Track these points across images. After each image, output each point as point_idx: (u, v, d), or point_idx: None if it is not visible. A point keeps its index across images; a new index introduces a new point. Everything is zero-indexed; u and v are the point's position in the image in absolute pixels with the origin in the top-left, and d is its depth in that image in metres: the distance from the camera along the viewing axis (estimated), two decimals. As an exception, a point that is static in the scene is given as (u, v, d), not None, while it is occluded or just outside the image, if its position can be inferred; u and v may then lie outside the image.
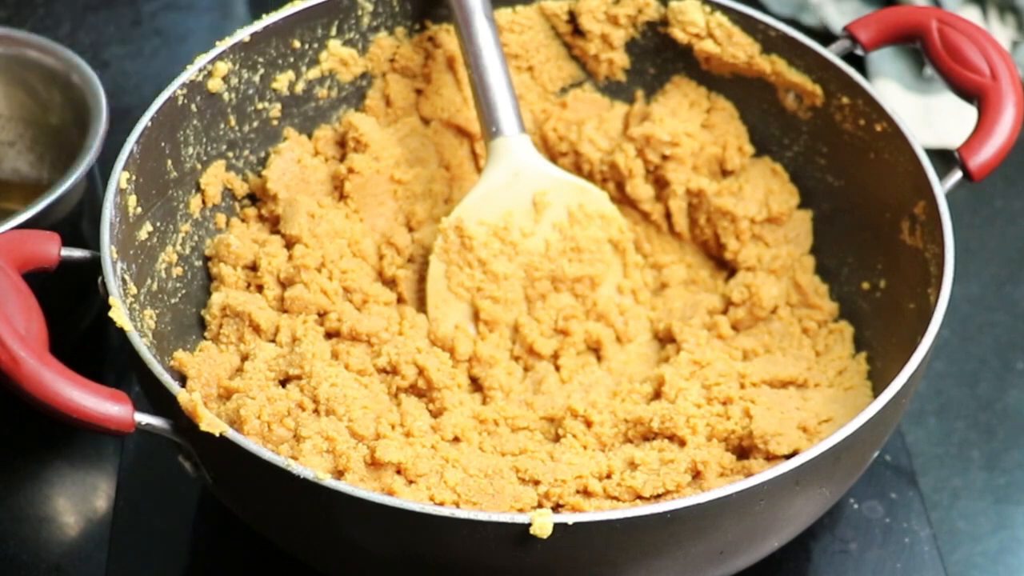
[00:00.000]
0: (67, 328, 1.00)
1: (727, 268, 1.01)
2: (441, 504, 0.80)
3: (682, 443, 0.85)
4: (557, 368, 0.96)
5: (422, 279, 0.97)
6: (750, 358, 0.94)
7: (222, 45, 0.92)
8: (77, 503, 0.96)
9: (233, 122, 0.94)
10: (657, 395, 0.91)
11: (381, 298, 0.95)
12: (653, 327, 0.99)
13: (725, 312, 0.98)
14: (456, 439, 0.87)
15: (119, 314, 0.78)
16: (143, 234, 0.87)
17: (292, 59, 0.96)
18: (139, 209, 0.87)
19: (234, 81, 0.93)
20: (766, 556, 0.82)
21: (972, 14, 1.30)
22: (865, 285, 0.96)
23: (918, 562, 0.92)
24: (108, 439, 0.97)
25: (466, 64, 0.96)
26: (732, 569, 0.81)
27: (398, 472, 0.81)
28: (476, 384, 0.94)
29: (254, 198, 0.97)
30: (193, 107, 0.91)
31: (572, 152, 1.03)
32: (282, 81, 0.96)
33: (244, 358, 0.88)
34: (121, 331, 0.78)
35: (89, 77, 1.02)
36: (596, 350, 0.97)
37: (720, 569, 0.79)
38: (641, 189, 1.01)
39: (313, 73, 0.98)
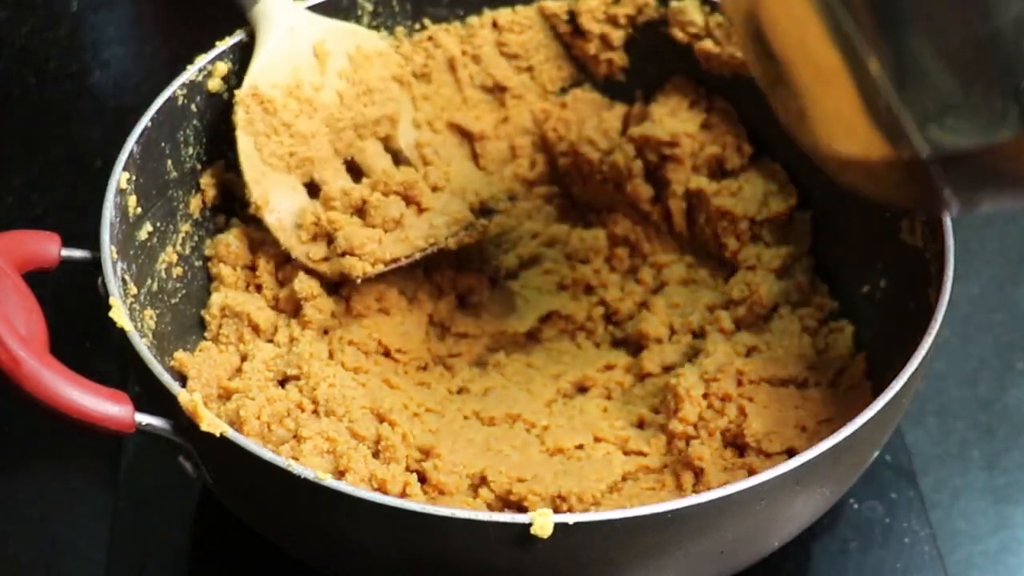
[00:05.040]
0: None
1: (727, 267, 1.01)
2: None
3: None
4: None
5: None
6: (751, 355, 0.94)
7: (222, 45, 0.93)
8: (77, 503, 0.96)
9: (233, 122, 0.95)
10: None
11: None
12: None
13: (726, 309, 0.98)
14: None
15: (119, 314, 0.78)
16: (143, 234, 0.87)
17: (292, 59, 0.96)
18: (139, 209, 0.87)
19: (234, 81, 0.93)
20: (766, 556, 0.82)
21: (972, 14, 1.29)
22: (865, 285, 0.96)
23: (918, 562, 0.92)
24: (108, 439, 0.97)
25: None
26: (732, 569, 0.80)
27: (398, 472, 0.82)
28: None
29: (254, 198, 0.97)
30: (193, 107, 0.91)
31: (572, 152, 1.03)
32: (282, 81, 0.96)
33: (244, 358, 0.88)
34: (121, 331, 0.78)
35: None
36: None
37: (720, 569, 0.79)
38: (641, 189, 1.01)
39: (313, 73, 0.98)
